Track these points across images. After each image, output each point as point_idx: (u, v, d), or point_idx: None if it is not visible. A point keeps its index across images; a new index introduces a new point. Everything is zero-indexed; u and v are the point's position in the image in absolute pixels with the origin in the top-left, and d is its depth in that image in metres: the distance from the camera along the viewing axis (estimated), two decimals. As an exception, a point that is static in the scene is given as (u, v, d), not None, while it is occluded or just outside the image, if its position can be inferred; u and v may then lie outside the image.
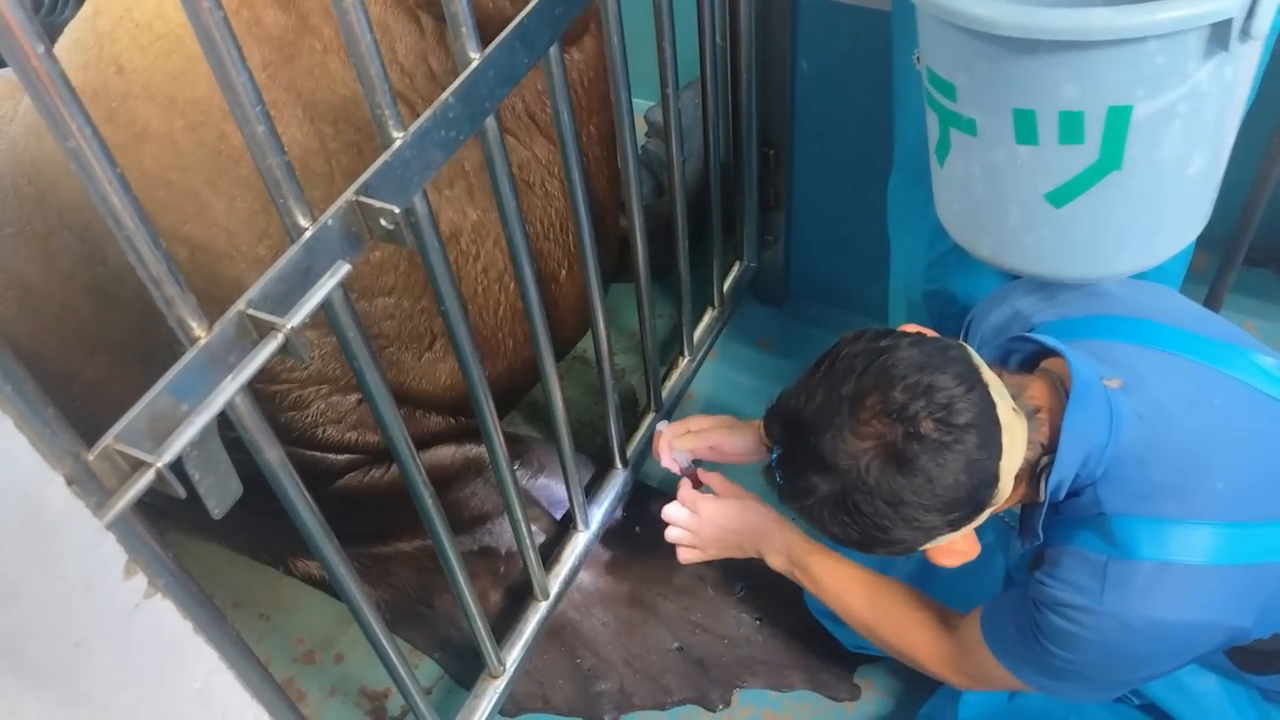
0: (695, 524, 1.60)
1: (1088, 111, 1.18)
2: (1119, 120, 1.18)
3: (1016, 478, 1.20)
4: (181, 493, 0.90)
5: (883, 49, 1.63)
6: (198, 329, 0.93)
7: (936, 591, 1.72)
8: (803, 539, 1.56)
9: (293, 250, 0.99)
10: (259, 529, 1.98)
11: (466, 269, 1.75)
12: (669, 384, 2.11)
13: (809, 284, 2.34)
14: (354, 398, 1.78)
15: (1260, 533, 1.19)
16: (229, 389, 0.94)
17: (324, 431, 1.79)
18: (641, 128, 2.52)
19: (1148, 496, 1.20)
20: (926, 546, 1.24)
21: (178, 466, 0.91)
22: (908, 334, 1.23)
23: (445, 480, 1.89)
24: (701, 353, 2.20)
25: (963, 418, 1.14)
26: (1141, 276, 1.47)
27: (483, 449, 1.90)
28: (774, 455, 1.27)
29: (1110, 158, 1.21)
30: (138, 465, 0.87)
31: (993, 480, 1.17)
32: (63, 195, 1.63)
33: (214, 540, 2.05)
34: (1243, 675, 1.42)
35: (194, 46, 0.89)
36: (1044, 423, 1.22)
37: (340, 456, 1.83)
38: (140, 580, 0.82)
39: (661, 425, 1.67)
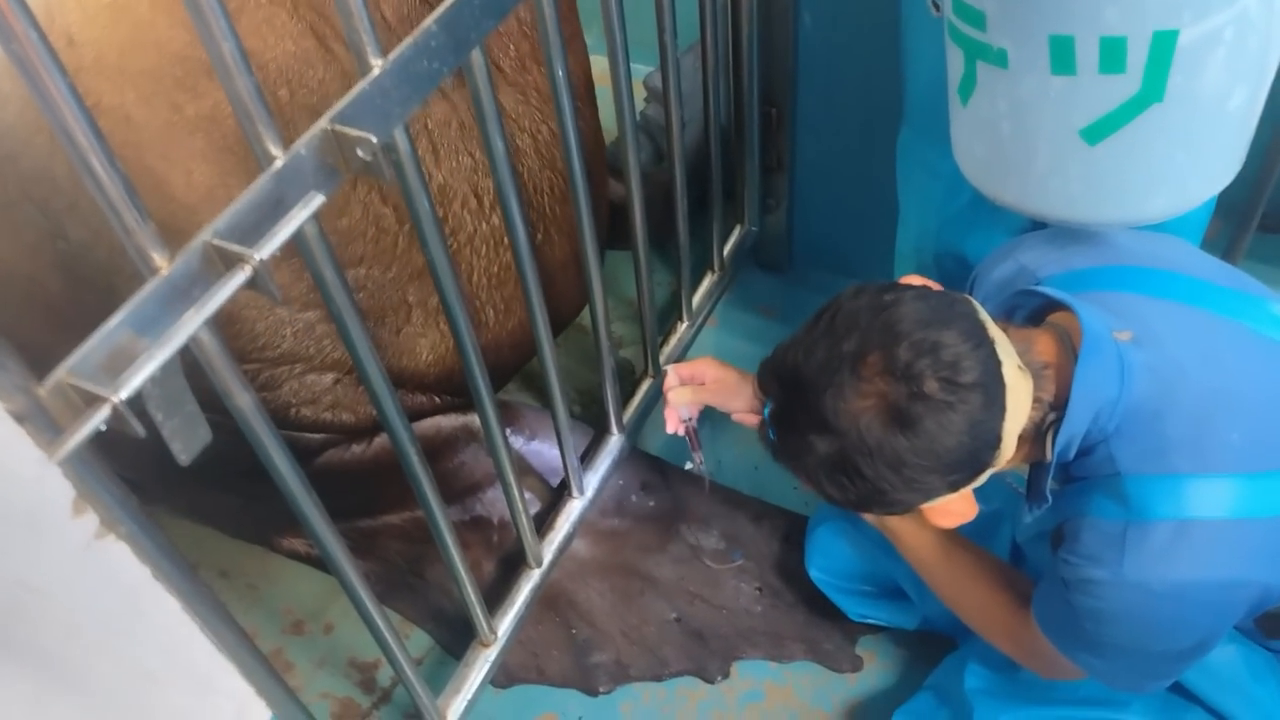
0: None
1: (1131, 37, 1.11)
2: (1164, 46, 1.12)
3: (1021, 437, 1.15)
4: (140, 431, 0.85)
5: (890, -1, 1.57)
6: (159, 259, 0.88)
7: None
8: None
9: (262, 179, 0.93)
10: (242, 512, 1.93)
11: (463, 231, 1.69)
12: (667, 349, 2.06)
13: (813, 250, 2.28)
14: (329, 377, 1.71)
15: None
16: (192, 322, 0.88)
17: (298, 412, 1.73)
18: (640, 93, 2.46)
19: (1161, 452, 1.14)
20: (924, 506, 1.20)
21: (138, 407, 0.86)
22: (912, 287, 1.18)
23: (433, 451, 1.83)
24: (701, 318, 2.15)
25: (968, 376, 1.09)
26: (1164, 229, 1.42)
27: (470, 417, 1.84)
28: (767, 410, 1.22)
29: (1153, 88, 1.15)
30: (93, 400, 0.82)
31: (995, 441, 1.12)
32: (24, 164, 1.56)
33: (196, 521, 1.99)
34: (1266, 642, 1.36)
35: (141, 12, 0.84)
36: (1051, 379, 1.17)
37: (316, 435, 1.78)
38: (90, 519, 0.76)
39: (668, 368, 1.63)
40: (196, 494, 1.91)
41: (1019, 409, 1.12)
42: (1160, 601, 1.14)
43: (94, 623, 0.76)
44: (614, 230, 2.12)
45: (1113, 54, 1.14)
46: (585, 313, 2.24)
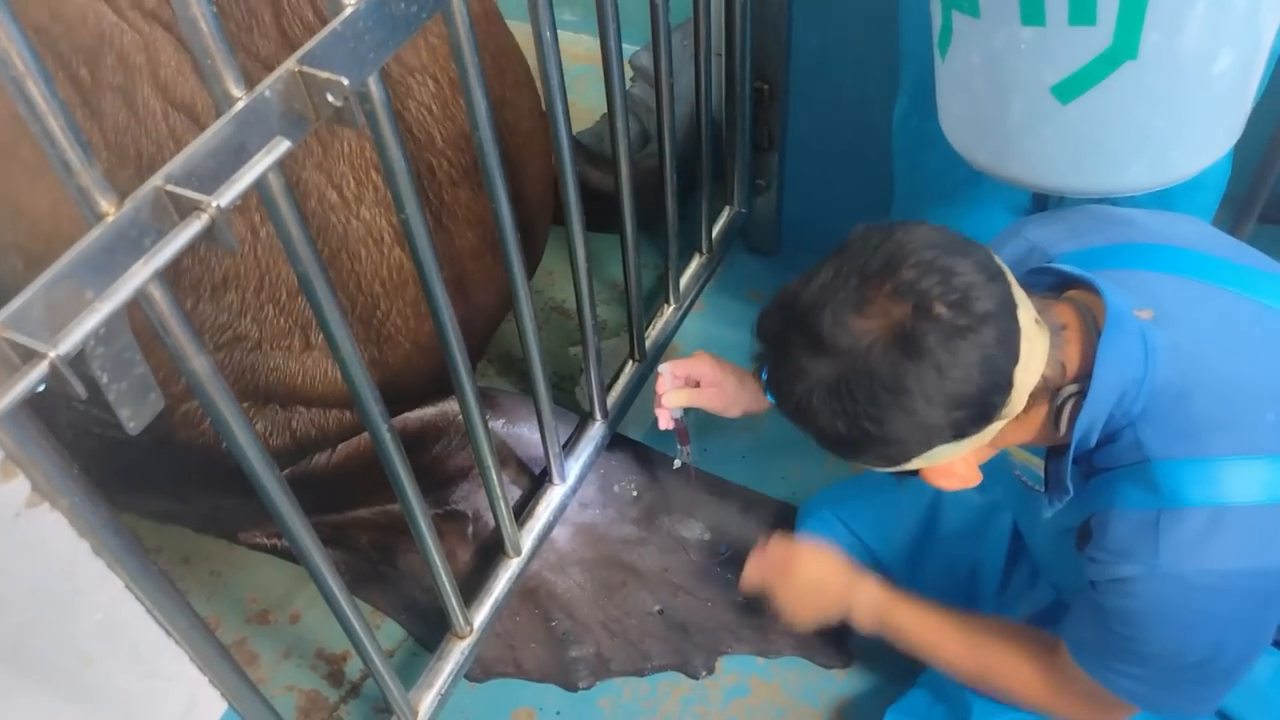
0: (778, 583, 1.52)
1: None
2: None
3: (1033, 398, 1.07)
4: (81, 391, 0.77)
5: (887, -35, 1.51)
6: (105, 204, 0.80)
7: (938, 553, 1.63)
8: (884, 595, 1.46)
9: (221, 123, 0.86)
10: (206, 509, 1.84)
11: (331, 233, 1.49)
12: (652, 333, 1.99)
13: (803, 232, 2.22)
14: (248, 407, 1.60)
15: None
16: (140, 274, 0.80)
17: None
18: (626, 72, 2.39)
19: (1192, 434, 1.08)
20: (923, 461, 1.10)
21: (82, 367, 0.79)
22: (926, 222, 1.09)
23: (406, 446, 1.72)
24: (688, 302, 2.08)
25: (981, 306, 1.00)
26: (1170, 208, 1.36)
27: (444, 406, 1.76)
28: (760, 350, 1.13)
29: (1125, 43, 1.09)
30: (30, 356, 0.74)
31: (1006, 385, 1.03)
32: None
33: (156, 519, 1.90)
34: None
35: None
36: (1070, 343, 1.09)
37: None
38: (21, 485, 0.69)
39: (662, 368, 1.57)
40: (155, 501, 1.82)
41: (1033, 359, 1.04)
42: (1198, 594, 1.07)
43: (21, 598, 0.68)
44: (597, 213, 2.05)
45: (1082, 3, 1.07)
46: (568, 295, 2.19)
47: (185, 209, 0.83)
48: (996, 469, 1.60)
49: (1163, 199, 1.38)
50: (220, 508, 1.76)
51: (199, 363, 0.93)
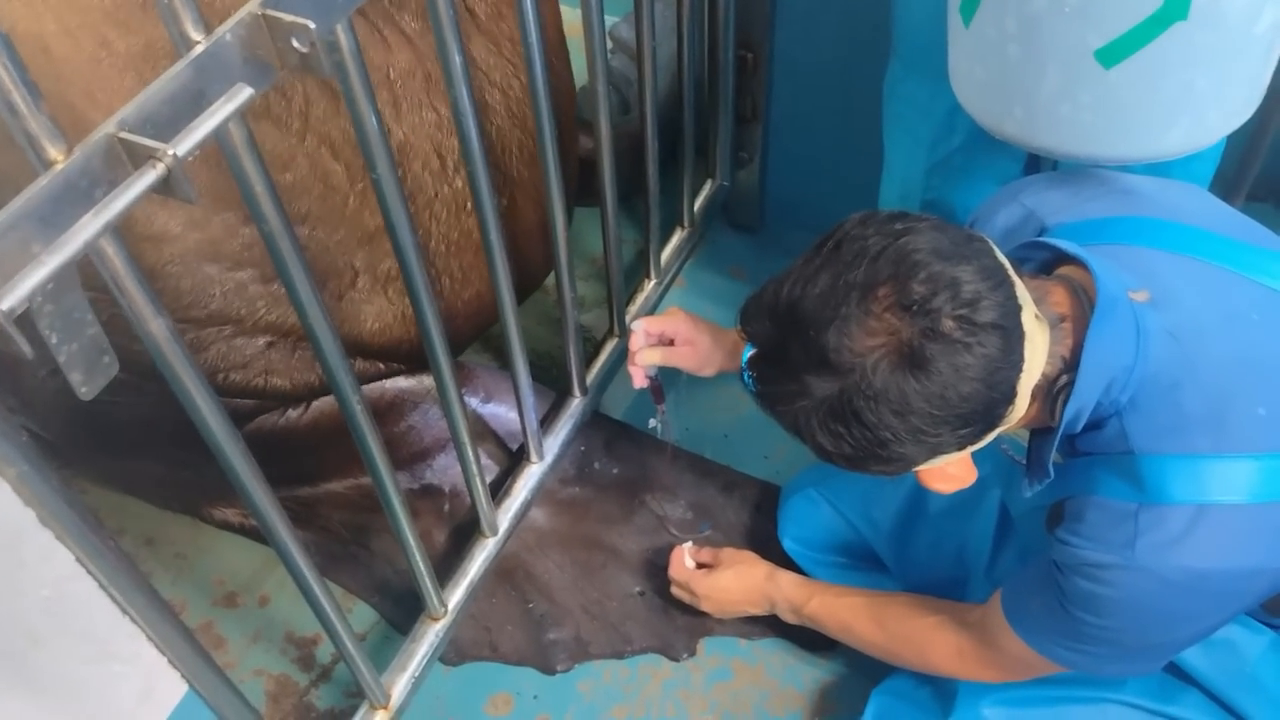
0: (701, 603, 1.61)
1: None
2: None
3: (1033, 394, 1.04)
4: (27, 349, 0.72)
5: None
6: (54, 151, 0.74)
7: (925, 532, 1.59)
8: (799, 586, 1.55)
9: (179, 66, 0.80)
10: (167, 482, 1.78)
11: (422, 195, 1.54)
12: (633, 309, 1.94)
13: (786, 208, 2.17)
14: (262, 340, 1.55)
15: None
16: (90, 227, 0.75)
17: (227, 377, 1.56)
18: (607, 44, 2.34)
19: (1180, 430, 1.05)
20: (922, 468, 1.08)
21: (29, 326, 0.73)
22: (926, 217, 1.04)
23: (379, 414, 1.68)
24: (669, 277, 2.03)
25: (986, 316, 0.97)
26: (1166, 175, 1.32)
27: (419, 379, 1.71)
28: (747, 354, 1.09)
29: (1177, 4, 1.05)
30: (-31, 313, 0.69)
31: (1010, 394, 1.01)
32: None
33: (118, 490, 1.84)
34: (1267, 619, 1.28)
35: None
36: (1068, 334, 1.06)
37: (247, 400, 1.62)
38: (-42, 449, 0.63)
39: (634, 325, 1.52)
40: (116, 461, 1.76)
41: (1035, 361, 1.02)
42: (1172, 591, 1.05)
43: (-41, 573, 0.63)
44: (580, 186, 2.00)
45: None
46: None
47: (139, 157, 0.77)
48: (986, 446, 1.57)
49: (1161, 167, 1.35)
50: (182, 464, 1.71)
51: (157, 325, 0.87)
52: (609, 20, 2.28)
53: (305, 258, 1.04)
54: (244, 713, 1.14)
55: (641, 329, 1.54)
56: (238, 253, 1.45)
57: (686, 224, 2.07)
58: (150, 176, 0.77)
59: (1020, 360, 1.00)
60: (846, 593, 1.50)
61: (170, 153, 0.77)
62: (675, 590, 1.64)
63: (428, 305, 1.27)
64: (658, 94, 1.74)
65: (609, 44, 2.35)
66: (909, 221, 1.02)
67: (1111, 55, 1.10)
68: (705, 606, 1.61)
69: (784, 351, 1.02)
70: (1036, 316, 1.03)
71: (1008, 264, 1.03)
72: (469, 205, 1.57)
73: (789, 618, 1.56)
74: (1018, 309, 1.00)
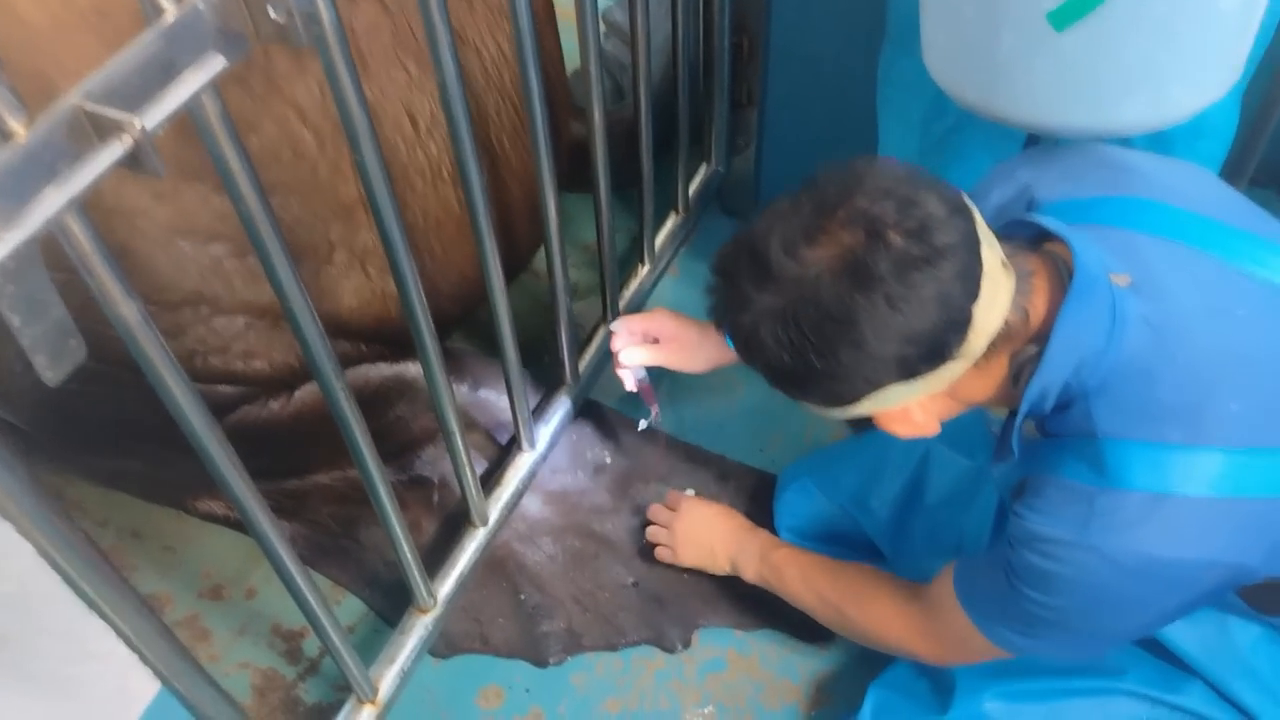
0: (673, 521, 1.62)
1: None
2: None
3: (994, 347, 1.02)
4: (-16, 331, 0.68)
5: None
6: (14, 123, 0.71)
7: (923, 521, 1.57)
8: (770, 538, 1.56)
9: (148, 35, 0.77)
10: (150, 478, 1.74)
11: (395, 161, 1.48)
12: (626, 295, 1.91)
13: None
14: (240, 320, 1.50)
15: (1277, 461, 1.02)
16: (53, 202, 0.71)
17: (205, 361, 1.51)
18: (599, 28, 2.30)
19: (1150, 418, 1.03)
20: (874, 403, 1.04)
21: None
22: (895, 159, 1.05)
23: (363, 404, 1.63)
24: (663, 264, 2.00)
25: (941, 239, 0.95)
26: (1170, 154, 1.29)
27: (404, 366, 1.67)
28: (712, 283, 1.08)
29: None
30: (-77, 291, 0.66)
31: (964, 323, 0.98)
32: None
33: (102, 484, 1.80)
34: (1259, 616, 1.25)
35: None
36: (1038, 292, 1.04)
37: (229, 388, 1.57)
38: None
39: (615, 325, 1.49)
40: (98, 456, 1.72)
41: (996, 301, 1.00)
42: (1121, 574, 1.03)
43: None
44: (571, 173, 1.96)
45: None
46: (535, 257, 2.10)
47: (105, 130, 0.74)
48: (981, 432, 1.55)
49: (1163, 145, 1.32)
50: (164, 463, 1.67)
51: (127, 309, 0.84)
52: (602, 3, 2.26)
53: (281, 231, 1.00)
54: (223, 707, 1.11)
55: (622, 328, 1.53)
56: (210, 225, 1.40)
57: (681, 209, 2.04)
58: (117, 150, 0.74)
59: (976, 291, 0.98)
60: (811, 553, 1.51)
61: (138, 125, 0.73)
62: (654, 513, 1.67)
63: (412, 285, 1.23)
64: (652, 79, 1.70)
65: (602, 28, 2.32)
66: (876, 157, 1.03)
67: (1062, 18, 1.08)
68: (676, 532, 1.62)
69: (737, 265, 1.02)
70: (1003, 263, 1.01)
71: (976, 211, 1.02)
72: (445, 173, 1.52)
73: (749, 571, 1.54)
74: (977, 243, 0.98)
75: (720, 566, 1.59)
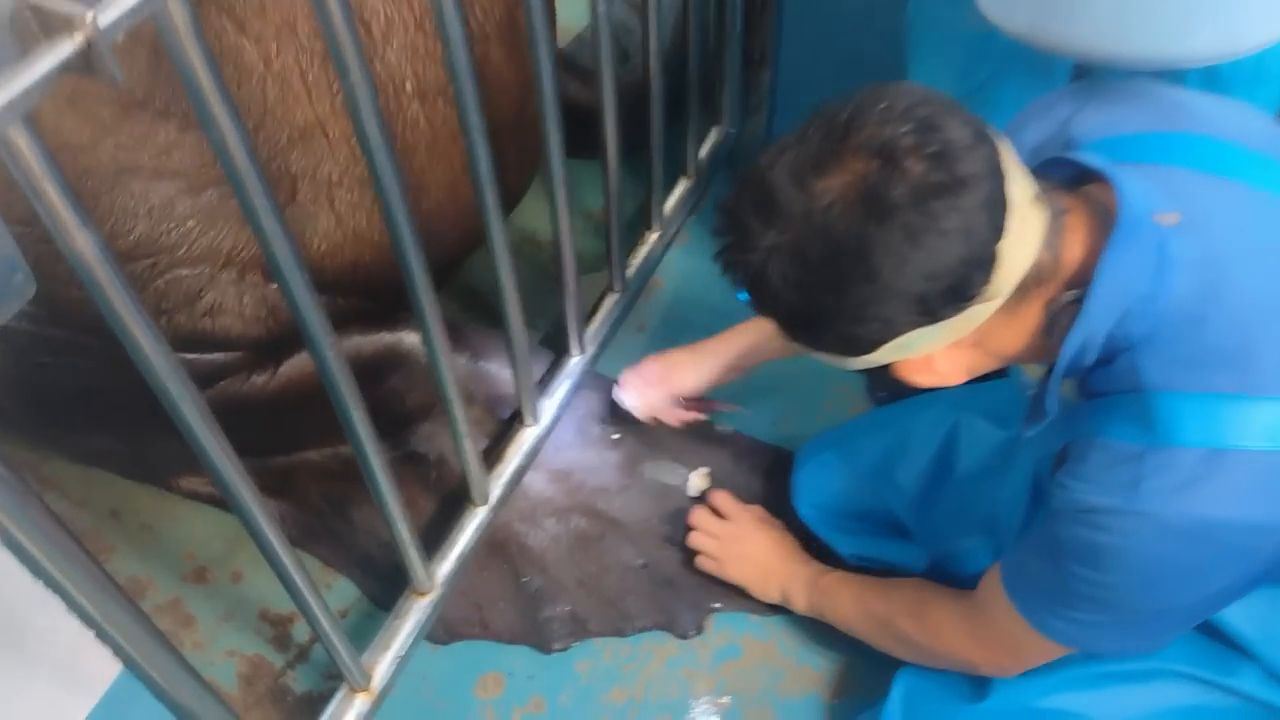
0: (724, 533, 1.54)
1: None
2: None
3: (1024, 291, 0.94)
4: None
5: None
6: (-55, 17, 0.61)
7: (952, 495, 1.48)
8: (821, 565, 1.49)
9: (104, -79, 0.67)
10: (128, 457, 1.65)
11: None
12: (634, 262, 1.81)
13: (795, 159, 2.05)
14: (202, 270, 1.37)
15: None
16: (-9, 106, 0.62)
17: (170, 320, 1.38)
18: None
19: (1200, 364, 0.94)
20: (894, 351, 0.96)
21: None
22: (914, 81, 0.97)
23: (355, 378, 1.54)
24: (673, 230, 1.90)
25: (963, 168, 0.87)
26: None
27: (398, 335, 1.57)
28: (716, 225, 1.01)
29: None
30: None
31: (988, 260, 0.90)
32: None
33: (79, 460, 1.70)
34: None
35: None
36: (1073, 231, 0.96)
37: (208, 356, 1.44)
38: None
39: (618, 394, 1.59)
40: (74, 434, 1.62)
41: (1024, 239, 0.91)
42: (1178, 540, 0.95)
43: None
44: (573, 137, 1.86)
45: None
46: (536, 224, 2.00)
47: (53, 26, 0.64)
48: (1014, 400, 1.46)
49: (1219, 88, 1.23)
50: (141, 439, 1.58)
51: (83, 239, 0.74)
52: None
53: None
54: (205, 698, 1.02)
55: (626, 394, 1.58)
56: (157, 159, 1.27)
57: (691, 173, 1.94)
58: (65, 49, 0.64)
59: (1001, 225, 0.90)
60: (861, 576, 1.44)
61: (90, 19, 0.64)
62: (699, 520, 1.56)
63: (402, 217, 1.11)
64: (663, 38, 1.61)
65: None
66: (893, 82, 0.93)
67: None
68: (727, 546, 1.53)
69: (742, 201, 0.94)
70: (1035, 197, 0.93)
71: (1006, 144, 0.93)
72: (409, 87, 1.34)
73: (802, 597, 1.47)
74: (1003, 177, 0.90)
75: (769, 595, 1.51)
